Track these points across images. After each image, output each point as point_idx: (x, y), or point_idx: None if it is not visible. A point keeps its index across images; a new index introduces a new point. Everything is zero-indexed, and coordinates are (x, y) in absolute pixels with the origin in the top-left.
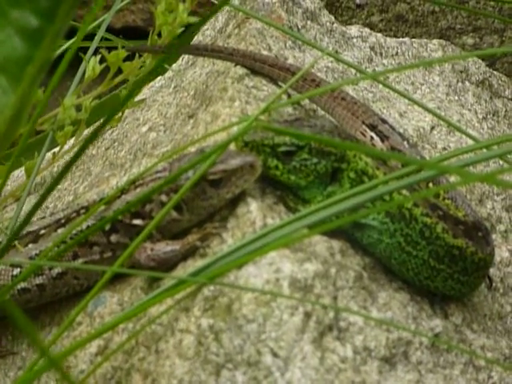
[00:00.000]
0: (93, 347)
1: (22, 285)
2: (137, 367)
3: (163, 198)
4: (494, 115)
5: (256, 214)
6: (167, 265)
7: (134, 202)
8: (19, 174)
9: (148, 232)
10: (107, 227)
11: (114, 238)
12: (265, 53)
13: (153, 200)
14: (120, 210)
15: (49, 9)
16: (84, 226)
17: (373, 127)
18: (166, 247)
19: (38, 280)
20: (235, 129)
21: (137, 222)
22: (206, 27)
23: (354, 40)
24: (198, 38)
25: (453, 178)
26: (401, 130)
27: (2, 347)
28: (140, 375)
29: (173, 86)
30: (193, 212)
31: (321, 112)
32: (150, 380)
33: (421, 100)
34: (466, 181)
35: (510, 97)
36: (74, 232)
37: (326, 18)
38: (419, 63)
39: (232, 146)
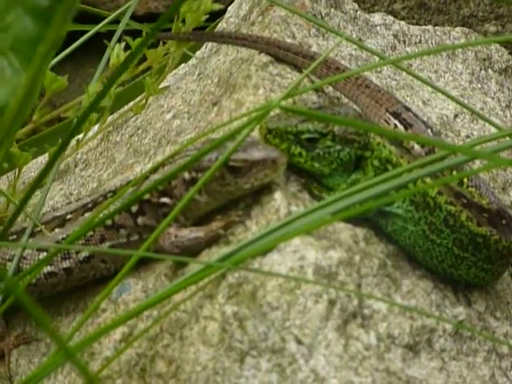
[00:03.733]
0: (117, 334)
1: (49, 268)
2: (161, 354)
3: (186, 175)
4: None
5: (280, 201)
6: (191, 252)
7: (162, 179)
8: (43, 160)
9: (175, 214)
10: (134, 209)
11: (140, 220)
12: (289, 40)
13: (177, 176)
14: (148, 188)
15: None
16: (111, 208)
17: (396, 115)
18: (190, 234)
19: (65, 264)
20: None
21: (164, 200)
22: (229, 15)
23: (378, 28)
24: (221, 26)
25: (476, 167)
26: (424, 118)
27: (26, 334)
28: (164, 362)
29: (197, 73)
30: (210, 195)
31: (344, 100)
32: (175, 367)
33: (444, 88)
34: (496, 165)
35: None
36: (101, 215)
37: (350, 5)
38: (442, 48)
39: (255, 134)
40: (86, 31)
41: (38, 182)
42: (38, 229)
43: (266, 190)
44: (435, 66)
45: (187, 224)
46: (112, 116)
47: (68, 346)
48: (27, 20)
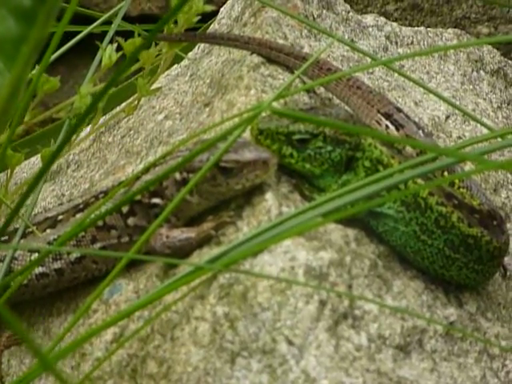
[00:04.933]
0: (108, 335)
1: (40, 269)
2: (152, 354)
3: (177, 176)
4: (508, 104)
5: (271, 202)
6: (182, 252)
7: (153, 180)
8: (35, 161)
9: (166, 215)
10: (125, 210)
11: (131, 220)
12: (281, 41)
13: (168, 177)
14: (139, 188)
15: None
16: (103, 209)
17: (388, 116)
18: (181, 235)
19: (57, 265)
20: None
21: (156, 200)
22: (221, 16)
23: (370, 29)
24: (214, 27)
25: (467, 168)
26: (416, 119)
27: (17, 334)
28: (155, 362)
29: (189, 74)
30: (201, 196)
31: (336, 101)
32: (166, 367)
33: (436, 89)
34: (485, 168)
35: None
36: (92, 216)
37: (342, 6)
38: (434, 49)
39: (247, 135)
40: (79, 32)
41: (33, 186)
42: (30, 229)
43: (257, 190)
44: (427, 67)
45: (178, 225)
46: (104, 117)
47: (46, 357)
48: (10, 20)
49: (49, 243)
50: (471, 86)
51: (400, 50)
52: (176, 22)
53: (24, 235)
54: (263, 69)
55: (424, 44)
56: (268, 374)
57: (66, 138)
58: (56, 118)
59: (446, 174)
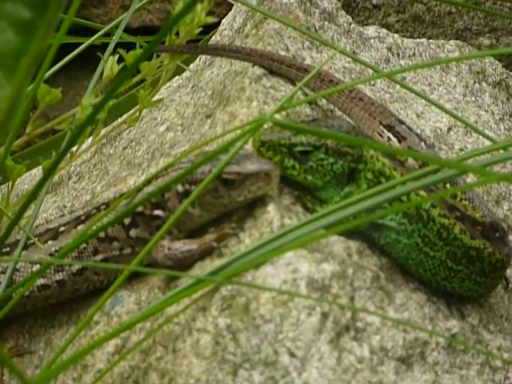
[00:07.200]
0: (110, 346)
1: (42, 281)
2: (154, 366)
3: (179, 187)
4: (510, 116)
5: (273, 214)
6: (184, 264)
7: (155, 192)
8: (37, 173)
9: (168, 227)
10: (127, 221)
11: (133, 232)
12: (282, 53)
13: (170, 189)
14: (141, 200)
15: (40, 1)
16: (104, 221)
17: (390, 128)
18: (183, 247)
19: (58, 276)
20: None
21: (158, 212)
22: (223, 27)
23: (372, 41)
24: (215, 38)
25: (469, 179)
26: (418, 131)
27: (19, 346)
28: (157, 374)
29: (190, 85)
30: (203, 207)
31: (338, 113)
32: (167, 379)
33: (438, 101)
34: (487, 180)
35: None
36: (94, 228)
37: (344, 18)
38: (436, 61)
39: (249, 146)
40: (80, 44)
41: (33, 196)
42: (32, 241)
43: (259, 202)
44: (429, 79)
45: (180, 236)
46: (105, 128)
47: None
48: (10, 33)
49: (50, 255)
50: (473, 98)
51: (402, 62)
52: (178, 34)
53: (26, 247)
54: (265, 80)
55: (426, 56)
56: None
57: (66, 147)
58: (57, 129)
59: (448, 185)
